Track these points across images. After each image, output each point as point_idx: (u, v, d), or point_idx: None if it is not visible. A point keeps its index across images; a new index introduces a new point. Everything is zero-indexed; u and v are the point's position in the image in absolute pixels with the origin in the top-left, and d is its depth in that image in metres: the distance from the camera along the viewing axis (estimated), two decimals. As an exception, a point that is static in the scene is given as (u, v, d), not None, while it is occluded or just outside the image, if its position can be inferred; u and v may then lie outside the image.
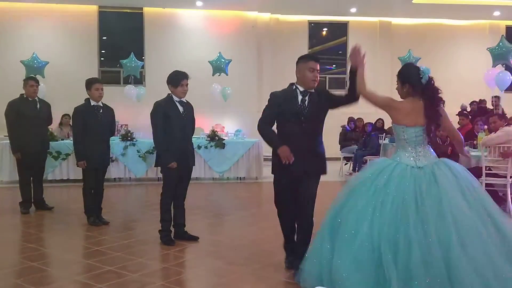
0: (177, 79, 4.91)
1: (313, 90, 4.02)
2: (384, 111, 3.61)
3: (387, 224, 3.12)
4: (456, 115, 10.28)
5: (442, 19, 15.12)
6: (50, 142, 8.22)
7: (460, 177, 3.30)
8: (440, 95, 3.53)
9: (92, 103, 5.79)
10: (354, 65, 3.80)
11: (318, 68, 4.00)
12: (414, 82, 3.48)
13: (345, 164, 11.31)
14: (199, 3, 13.36)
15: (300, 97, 3.99)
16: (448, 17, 15.01)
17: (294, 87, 4.04)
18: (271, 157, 4.11)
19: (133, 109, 11.68)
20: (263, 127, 4.01)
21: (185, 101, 5.02)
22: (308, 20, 14.95)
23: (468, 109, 12.19)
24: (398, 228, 3.09)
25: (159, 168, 5.38)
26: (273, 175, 4.17)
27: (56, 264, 4.51)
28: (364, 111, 12.95)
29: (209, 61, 11.80)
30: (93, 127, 5.70)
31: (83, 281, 3.93)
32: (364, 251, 3.09)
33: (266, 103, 4.11)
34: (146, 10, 13.86)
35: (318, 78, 4.00)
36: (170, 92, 4.96)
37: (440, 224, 3.04)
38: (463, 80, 14.65)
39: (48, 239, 5.51)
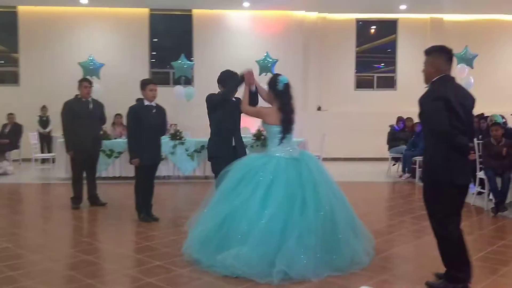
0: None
1: None
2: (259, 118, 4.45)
3: None
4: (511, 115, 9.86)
5: (497, 15, 14.51)
6: (104, 141, 8.55)
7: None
8: (292, 101, 4.32)
9: (146, 103, 5.96)
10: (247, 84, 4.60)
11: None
12: (273, 88, 4.31)
13: (393, 164, 11.08)
14: (246, 4, 13.46)
15: None
16: (504, 12, 14.38)
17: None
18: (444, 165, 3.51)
19: (182, 109, 11.95)
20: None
21: (234, 99, 5.05)
22: (356, 18, 14.74)
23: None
24: None
25: (206, 166, 5.45)
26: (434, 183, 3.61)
27: (108, 258, 4.68)
28: (414, 110, 12.69)
29: (256, 61, 11.88)
30: (146, 126, 5.85)
31: (133, 275, 4.07)
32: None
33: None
34: (195, 12, 14.12)
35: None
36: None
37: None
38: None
39: (100, 233, 5.73)
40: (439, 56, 3.66)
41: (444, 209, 3.55)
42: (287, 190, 3.97)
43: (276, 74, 4.42)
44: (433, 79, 3.63)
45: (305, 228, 3.85)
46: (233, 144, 5.03)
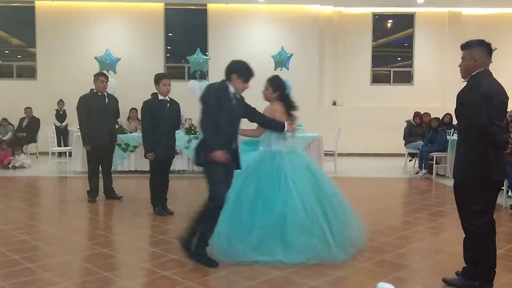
0: (248, 75, 4.35)
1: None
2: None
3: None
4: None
5: (517, 9, 14.24)
6: (119, 135, 8.60)
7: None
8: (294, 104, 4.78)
9: (160, 97, 5.98)
10: None
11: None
12: (282, 91, 4.71)
13: (410, 160, 10.96)
14: (261, -2, 13.42)
15: None
16: (524, 6, 14.11)
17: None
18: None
19: (197, 104, 11.89)
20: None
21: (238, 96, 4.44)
22: (372, 12, 14.59)
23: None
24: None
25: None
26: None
27: (124, 251, 4.71)
28: (431, 105, 12.52)
29: (271, 56, 11.83)
30: (161, 121, 5.87)
31: (148, 268, 4.09)
32: None
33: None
34: (210, 6, 14.10)
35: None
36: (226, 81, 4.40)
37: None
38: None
39: (116, 227, 5.77)
40: (479, 49, 3.54)
41: (476, 205, 3.45)
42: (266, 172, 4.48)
43: (279, 76, 4.81)
44: (472, 74, 3.51)
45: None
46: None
